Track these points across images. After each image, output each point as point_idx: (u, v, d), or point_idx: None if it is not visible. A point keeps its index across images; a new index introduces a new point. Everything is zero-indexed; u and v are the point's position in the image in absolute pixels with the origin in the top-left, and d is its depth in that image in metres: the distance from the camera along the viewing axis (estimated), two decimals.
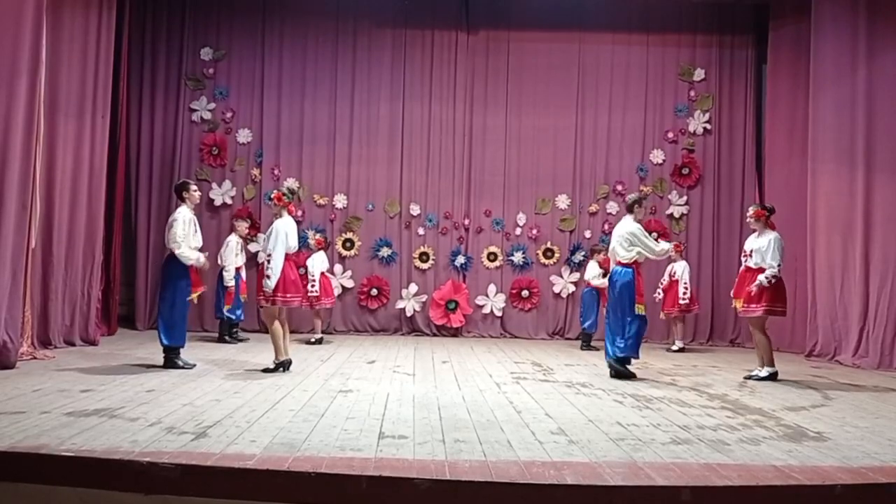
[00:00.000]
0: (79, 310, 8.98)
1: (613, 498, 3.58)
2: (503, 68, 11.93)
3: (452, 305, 11.55)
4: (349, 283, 11.64)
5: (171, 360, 7.34)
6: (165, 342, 7.35)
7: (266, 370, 7.20)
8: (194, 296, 7.44)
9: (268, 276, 7.07)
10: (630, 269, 7.43)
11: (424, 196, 11.84)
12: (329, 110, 11.75)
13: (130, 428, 4.52)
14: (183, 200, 7.47)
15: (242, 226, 10.15)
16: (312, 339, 9.97)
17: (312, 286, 9.68)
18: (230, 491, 3.63)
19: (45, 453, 3.85)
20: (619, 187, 11.86)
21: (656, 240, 8.31)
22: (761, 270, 7.49)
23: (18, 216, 7.17)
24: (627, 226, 7.51)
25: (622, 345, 7.38)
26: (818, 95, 9.82)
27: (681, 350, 10.25)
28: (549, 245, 11.80)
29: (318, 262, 9.91)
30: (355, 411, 5.33)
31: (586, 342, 10.28)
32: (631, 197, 7.94)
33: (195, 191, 7.58)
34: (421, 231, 11.80)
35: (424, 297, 11.66)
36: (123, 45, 10.40)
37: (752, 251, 7.67)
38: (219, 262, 9.64)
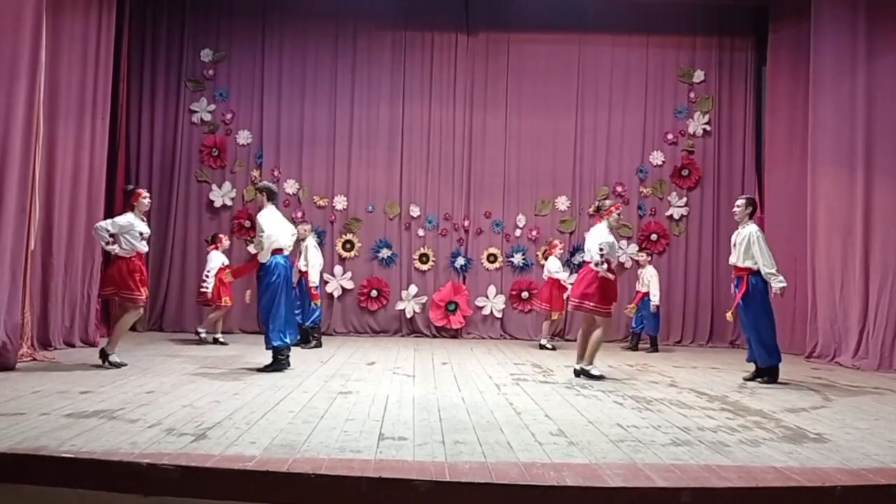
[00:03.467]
0: (78, 311, 8.97)
1: (613, 499, 3.58)
2: (503, 70, 11.94)
3: (452, 307, 11.56)
4: (349, 285, 11.64)
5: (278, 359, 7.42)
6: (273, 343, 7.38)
7: (112, 364, 7.21)
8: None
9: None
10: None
11: (424, 197, 11.84)
12: (329, 112, 11.76)
13: (130, 429, 4.51)
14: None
15: (304, 228, 9.69)
16: (213, 338, 9.77)
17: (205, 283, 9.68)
18: (230, 492, 3.62)
19: (45, 455, 3.84)
20: (619, 189, 11.88)
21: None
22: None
23: (17, 218, 7.16)
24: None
25: None
26: (818, 97, 9.83)
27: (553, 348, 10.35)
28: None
29: (216, 261, 9.83)
30: (355, 413, 5.33)
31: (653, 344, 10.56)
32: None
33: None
34: (421, 232, 11.80)
35: (424, 299, 11.67)
36: (123, 46, 10.41)
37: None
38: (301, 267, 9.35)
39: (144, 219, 7.58)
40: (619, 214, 7.71)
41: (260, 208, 7.49)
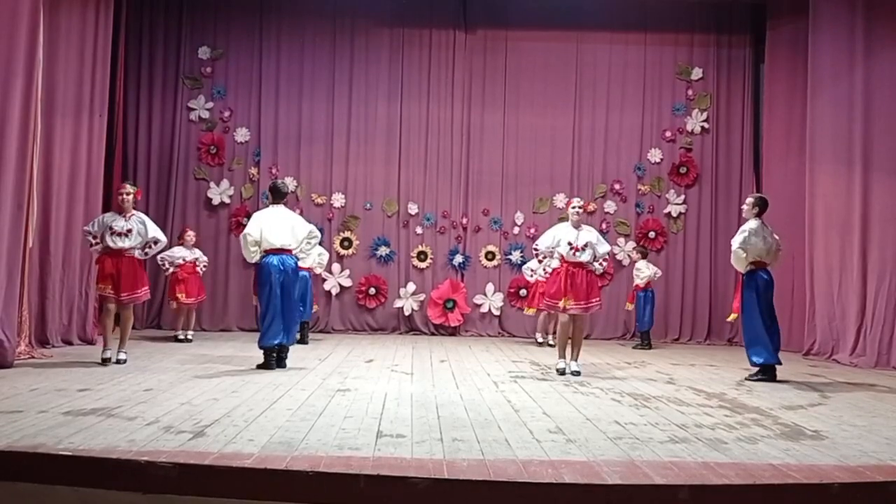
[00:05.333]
0: (76, 309, 8.96)
1: (611, 497, 3.58)
2: (501, 67, 11.93)
3: (450, 304, 11.56)
4: (347, 282, 11.64)
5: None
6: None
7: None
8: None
9: None
10: None
11: (422, 195, 11.84)
12: (327, 109, 11.75)
13: (128, 427, 4.51)
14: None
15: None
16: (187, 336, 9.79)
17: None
18: (228, 490, 3.62)
19: (43, 452, 3.83)
20: (617, 186, 11.89)
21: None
22: None
23: (14, 216, 7.15)
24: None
25: None
26: (816, 95, 9.83)
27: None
28: None
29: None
30: (353, 410, 5.33)
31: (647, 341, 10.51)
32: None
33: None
34: (419, 230, 11.80)
35: (422, 296, 11.66)
36: (120, 43, 10.38)
37: None
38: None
39: (123, 215, 7.51)
40: (574, 210, 7.61)
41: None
